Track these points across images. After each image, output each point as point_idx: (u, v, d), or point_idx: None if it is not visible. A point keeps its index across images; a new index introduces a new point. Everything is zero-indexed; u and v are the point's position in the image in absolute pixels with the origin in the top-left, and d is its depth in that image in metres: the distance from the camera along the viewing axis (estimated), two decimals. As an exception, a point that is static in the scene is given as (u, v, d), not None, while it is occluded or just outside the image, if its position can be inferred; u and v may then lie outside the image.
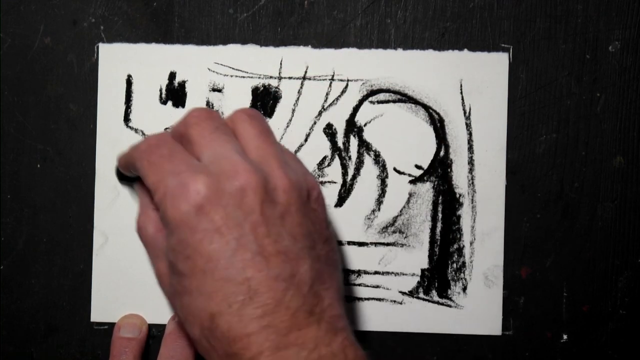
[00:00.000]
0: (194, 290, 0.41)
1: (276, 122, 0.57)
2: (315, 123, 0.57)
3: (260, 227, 0.41)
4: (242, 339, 0.40)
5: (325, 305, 0.42)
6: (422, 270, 0.57)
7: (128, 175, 0.51)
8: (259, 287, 0.40)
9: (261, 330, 0.40)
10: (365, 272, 0.58)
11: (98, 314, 0.57)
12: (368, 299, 0.58)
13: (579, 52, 0.58)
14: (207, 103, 0.57)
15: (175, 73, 0.58)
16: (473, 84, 0.57)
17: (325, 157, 0.58)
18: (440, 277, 0.57)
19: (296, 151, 0.58)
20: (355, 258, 0.57)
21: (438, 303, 0.57)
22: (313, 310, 0.41)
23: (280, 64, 0.57)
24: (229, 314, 0.40)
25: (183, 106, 0.58)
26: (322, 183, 0.58)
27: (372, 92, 0.57)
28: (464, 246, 0.57)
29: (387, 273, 0.58)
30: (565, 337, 0.57)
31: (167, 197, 0.42)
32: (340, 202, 0.58)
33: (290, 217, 0.42)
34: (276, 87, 0.58)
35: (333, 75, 0.57)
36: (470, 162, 0.57)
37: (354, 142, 0.58)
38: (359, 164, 0.58)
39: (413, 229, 0.58)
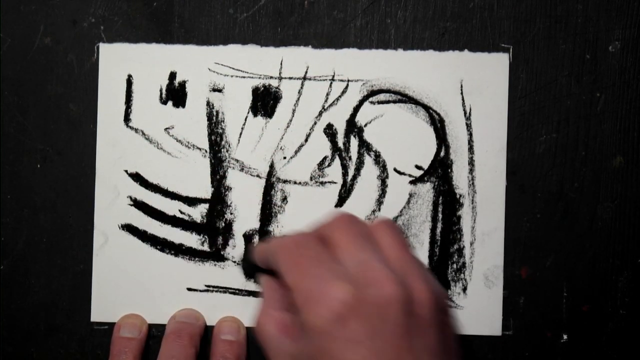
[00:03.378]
0: None
1: (276, 123, 0.57)
2: (315, 123, 0.57)
3: (402, 341, 0.40)
4: None
5: None
6: (423, 271, 0.57)
7: (260, 266, 0.49)
8: None
9: None
10: (366, 272, 0.57)
11: (98, 314, 0.58)
12: (368, 299, 0.57)
13: (579, 52, 0.58)
14: (208, 103, 0.57)
15: (175, 73, 0.57)
16: (473, 84, 0.57)
17: (325, 158, 0.58)
18: (440, 277, 0.57)
19: (296, 151, 0.58)
20: (356, 258, 0.57)
21: (438, 303, 0.57)
22: None
23: (281, 64, 0.57)
24: None
25: (183, 106, 0.58)
26: (322, 183, 0.58)
27: (373, 93, 0.57)
28: (464, 246, 0.57)
29: (387, 273, 0.57)
30: (565, 337, 0.58)
31: (309, 301, 0.41)
32: (340, 202, 0.58)
33: (431, 332, 0.41)
34: (276, 87, 0.57)
35: (333, 76, 0.57)
36: (471, 162, 0.57)
37: (354, 142, 0.58)
38: (359, 164, 0.58)
39: (413, 230, 0.58)
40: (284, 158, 0.58)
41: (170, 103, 0.58)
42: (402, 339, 0.40)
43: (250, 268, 0.52)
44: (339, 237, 0.44)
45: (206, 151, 0.58)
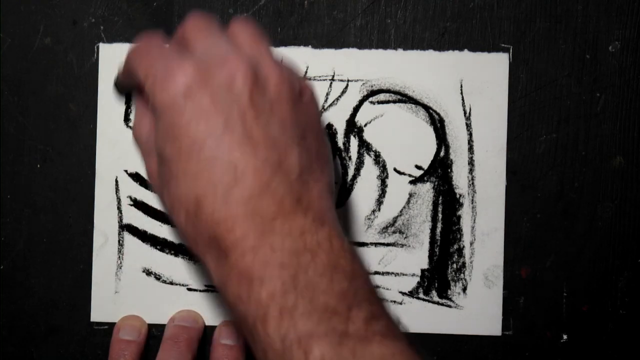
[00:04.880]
0: (180, 174, 0.41)
1: (276, 122, 0.57)
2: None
3: (248, 111, 0.41)
4: (227, 222, 0.40)
5: (313, 197, 0.41)
6: (422, 271, 0.57)
7: (126, 85, 0.50)
8: (245, 170, 0.40)
9: (246, 214, 0.39)
10: (365, 272, 0.57)
11: (98, 314, 0.58)
12: (368, 299, 0.57)
13: (579, 52, 0.58)
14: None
15: (175, 73, 0.57)
16: (473, 84, 0.57)
17: (325, 157, 0.58)
18: (440, 277, 0.57)
19: (296, 151, 0.58)
20: (355, 258, 0.57)
21: (438, 303, 0.57)
22: (300, 199, 0.41)
23: (281, 64, 0.57)
24: (214, 196, 0.40)
25: (183, 106, 0.58)
26: (322, 183, 0.58)
27: (372, 93, 0.57)
28: (464, 246, 0.57)
29: (387, 273, 0.58)
30: (565, 337, 0.58)
31: (156, 81, 0.42)
32: (340, 202, 0.58)
33: (280, 107, 0.42)
34: (276, 87, 0.57)
35: (333, 76, 0.57)
36: (471, 162, 0.58)
37: (354, 142, 0.58)
38: (359, 164, 0.58)
39: (413, 229, 0.58)
40: (284, 158, 0.58)
41: (170, 103, 0.58)
42: (249, 110, 0.41)
43: (123, 87, 0.53)
44: (187, 31, 0.45)
45: (206, 151, 0.58)
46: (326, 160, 0.44)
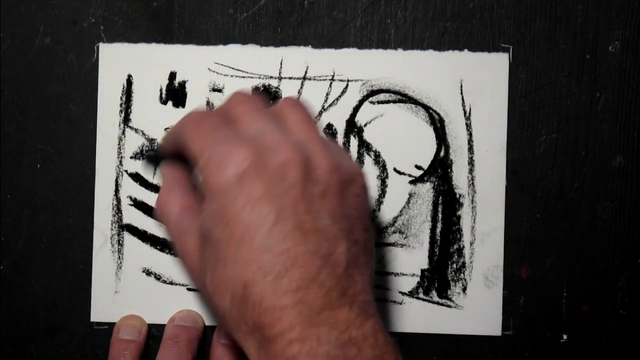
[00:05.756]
0: (229, 259, 0.41)
1: (276, 122, 0.57)
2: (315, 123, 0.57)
3: (300, 202, 0.41)
4: (275, 311, 0.40)
5: (357, 289, 0.41)
6: (422, 271, 0.57)
7: (163, 155, 0.50)
8: (296, 260, 0.40)
9: (294, 304, 0.40)
10: (365, 272, 0.57)
11: (98, 314, 0.58)
12: (368, 299, 0.57)
13: (579, 52, 0.58)
14: (208, 103, 0.58)
15: (175, 73, 0.58)
16: (473, 84, 0.57)
17: (325, 157, 0.58)
18: (440, 277, 0.57)
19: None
20: (355, 258, 0.57)
21: (438, 303, 0.57)
22: (346, 292, 0.41)
23: (281, 64, 0.57)
24: (264, 284, 0.40)
25: (183, 106, 0.58)
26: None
27: (372, 93, 0.57)
28: (464, 246, 0.57)
29: (387, 273, 0.58)
30: (565, 337, 0.58)
31: (212, 163, 0.42)
32: (340, 202, 0.57)
33: (330, 198, 0.42)
34: (276, 87, 0.58)
35: (333, 76, 0.57)
36: (471, 162, 0.57)
37: (354, 142, 0.58)
38: (359, 164, 0.58)
39: (413, 229, 0.58)
40: (284, 158, 0.58)
41: (170, 103, 0.58)
42: (300, 201, 0.41)
43: (156, 159, 0.52)
44: (238, 111, 0.45)
45: (206, 151, 0.58)
46: (371, 255, 0.44)
